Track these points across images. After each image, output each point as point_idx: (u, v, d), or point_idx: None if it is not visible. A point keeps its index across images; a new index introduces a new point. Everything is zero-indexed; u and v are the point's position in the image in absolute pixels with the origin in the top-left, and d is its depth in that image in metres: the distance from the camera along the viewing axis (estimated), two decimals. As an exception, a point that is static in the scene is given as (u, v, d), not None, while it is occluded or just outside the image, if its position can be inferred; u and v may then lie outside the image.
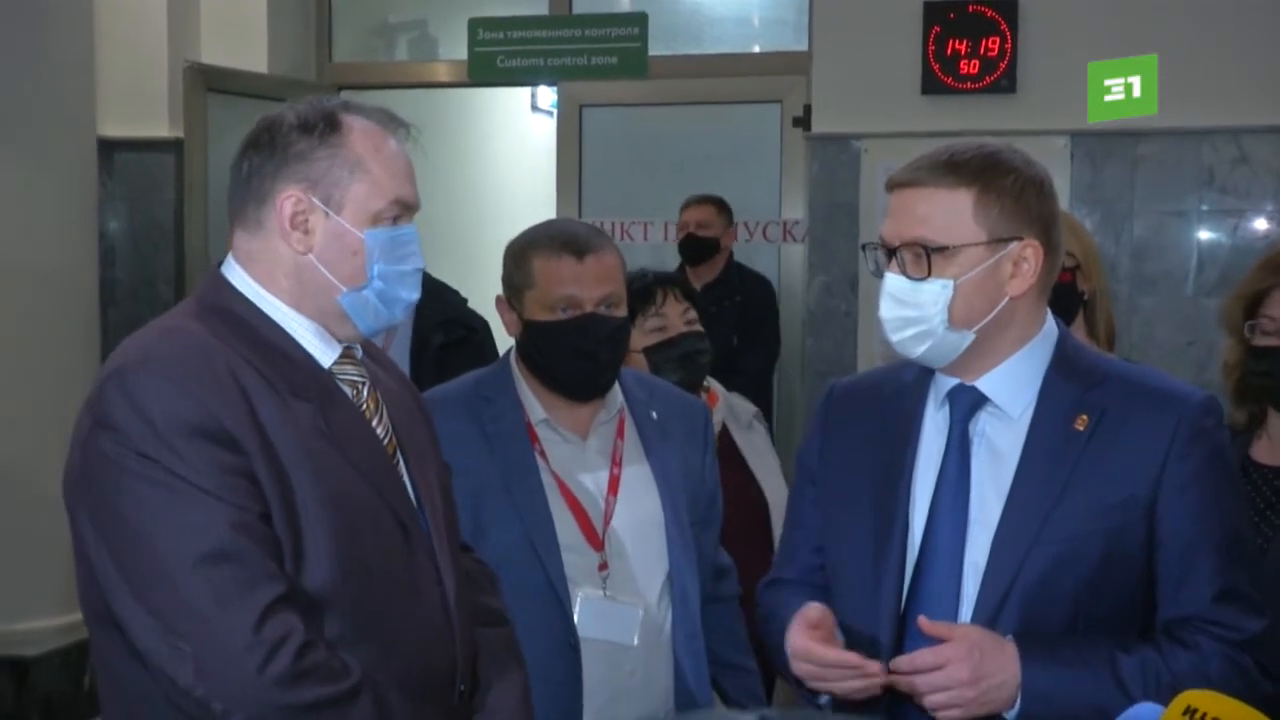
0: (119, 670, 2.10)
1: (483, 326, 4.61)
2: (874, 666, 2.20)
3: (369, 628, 2.10)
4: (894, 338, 2.31)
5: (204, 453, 1.99)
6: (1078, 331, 3.46)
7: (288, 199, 2.14)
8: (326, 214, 2.15)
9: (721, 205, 6.69)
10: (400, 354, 4.32)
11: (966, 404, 2.32)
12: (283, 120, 2.18)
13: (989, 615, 2.22)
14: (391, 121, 2.24)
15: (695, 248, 6.62)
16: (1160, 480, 2.20)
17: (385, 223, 2.18)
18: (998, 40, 6.24)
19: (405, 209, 2.21)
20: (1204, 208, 6.18)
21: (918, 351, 2.29)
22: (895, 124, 6.39)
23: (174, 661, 1.97)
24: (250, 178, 2.18)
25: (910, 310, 2.27)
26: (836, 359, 6.52)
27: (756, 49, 7.75)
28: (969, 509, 2.28)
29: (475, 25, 7.29)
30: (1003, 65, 6.24)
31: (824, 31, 6.64)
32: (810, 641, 2.26)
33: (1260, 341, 3.10)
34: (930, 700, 2.17)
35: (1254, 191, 6.11)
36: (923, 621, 2.18)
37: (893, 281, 2.29)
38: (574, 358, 2.89)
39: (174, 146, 7.03)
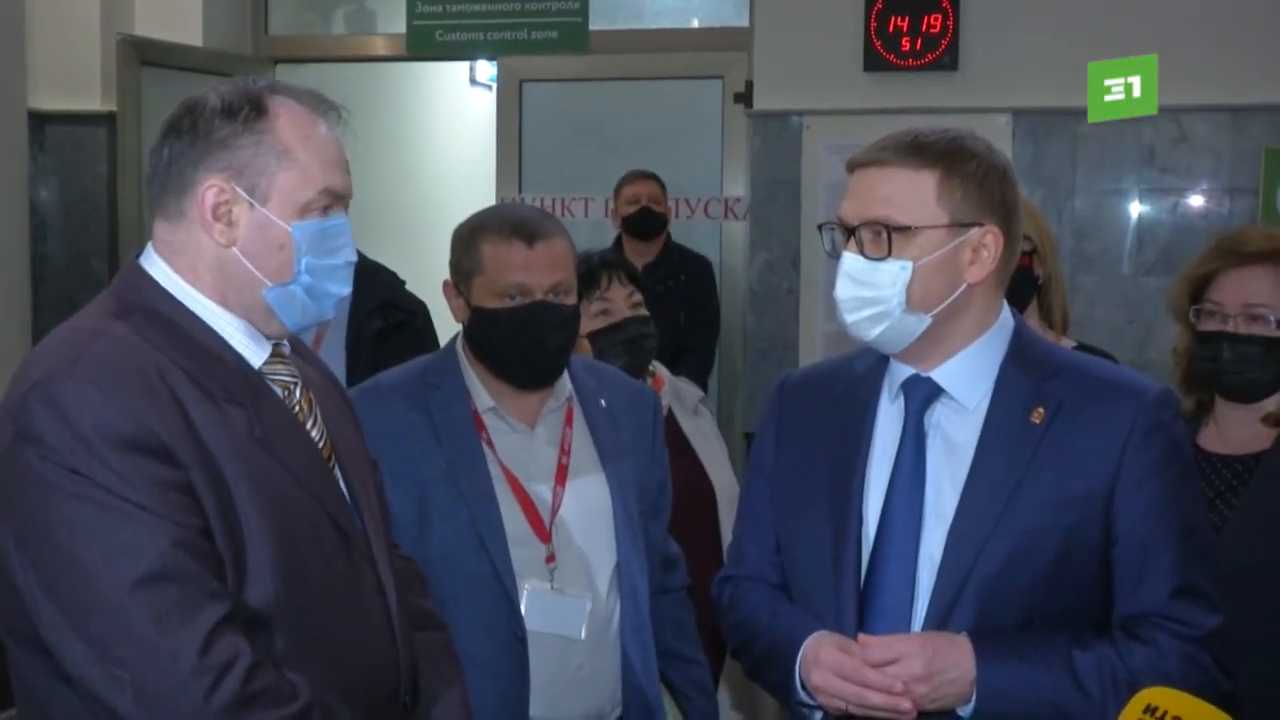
0: (44, 695, 1.97)
1: (421, 309, 4.55)
2: (907, 705, 2.16)
3: (313, 642, 2.01)
4: (849, 318, 2.28)
5: (139, 467, 1.87)
6: (1031, 317, 3.46)
7: (209, 189, 2.02)
8: (251, 205, 2.03)
9: (661, 181, 6.68)
10: (336, 338, 4.25)
11: (921, 395, 2.30)
12: (205, 103, 2.06)
13: (944, 609, 2.20)
14: (321, 104, 2.13)
15: (649, 223, 6.59)
16: (1117, 474, 2.19)
17: (314, 214, 2.07)
18: (939, 17, 6.23)
19: (336, 199, 2.10)
20: (1144, 186, 6.21)
21: (873, 334, 2.26)
22: (837, 101, 6.37)
23: (111, 689, 1.85)
24: (171, 164, 2.05)
25: (867, 290, 2.24)
26: (779, 337, 6.51)
27: (697, 24, 7.71)
28: (924, 502, 2.26)
29: (414, -2, 7.22)
30: (944, 43, 6.23)
31: (765, 7, 6.60)
32: (851, 658, 2.19)
33: (1205, 326, 3.07)
34: (884, 697, 2.15)
35: (1193, 171, 6.13)
36: (863, 639, 2.17)
37: (850, 261, 2.26)
38: (523, 346, 2.84)
39: (107, 120, 6.92)
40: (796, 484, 2.42)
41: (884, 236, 2.21)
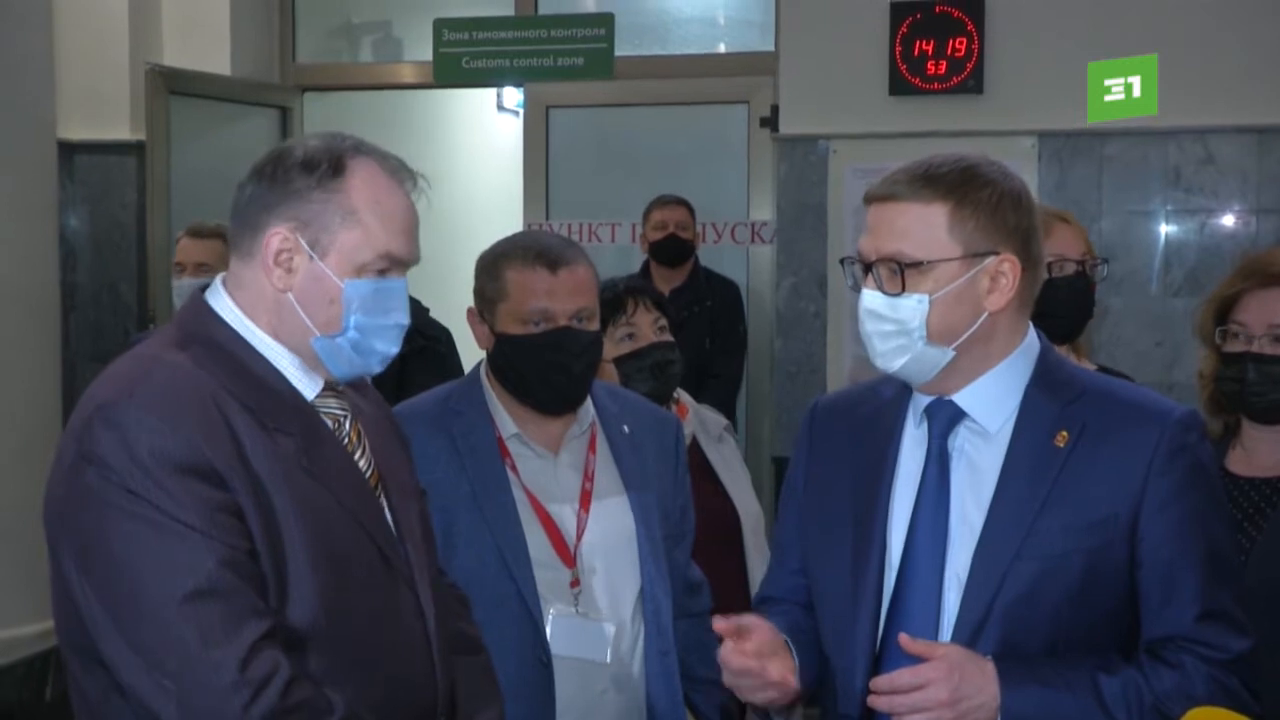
0: (98, 705, 2.08)
1: (445, 336, 4.57)
2: (774, 673, 2.19)
3: (352, 663, 2.10)
4: (874, 353, 2.29)
5: (191, 489, 1.98)
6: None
7: (275, 235, 2.14)
8: (310, 257, 2.14)
9: (690, 207, 6.68)
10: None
11: (945, 419, 2.30)
12: (291, 153, 2.17)
13: (971, 631, 2.19)
14: (400, 171, 2.23)
15: (676, 249, 6.59)
16: (1141, 498, 2.18)
17: (369, 274, 2.16)
18: (965, 41, 6.23)
19: (395, 263, 2.19)
20: (1170, 208, 6.19)
21: (896, 365, 2.27)
22: (863, 125, 6.38)
23: (158, 698, 1.95)
24: (248, 205, 2.17)
25: (888, 325, 2.25)
26: (806, 360, 6.51)
27: (723, 49, 7.72)
28: (949, 524, 2.26)
29: (440, 26, 7.24)
30: (970, 66, 6.23)
31: (791, 32, 6.62)
32: (726, 653, 2.24)
33: (1230, 347, 3.06)
34: None
35: (1220, 191, 6.12)
36: (904, 639, 2.15)
37: (869, 297, 2.27)
38: (547, 371, 2.86)
39: (135, 149, 6.97)
40: (823, 507, 2.42)
41: (899, 273, 2.22)
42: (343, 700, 2.03)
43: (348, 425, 2.24)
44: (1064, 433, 2.22)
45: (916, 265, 2.21)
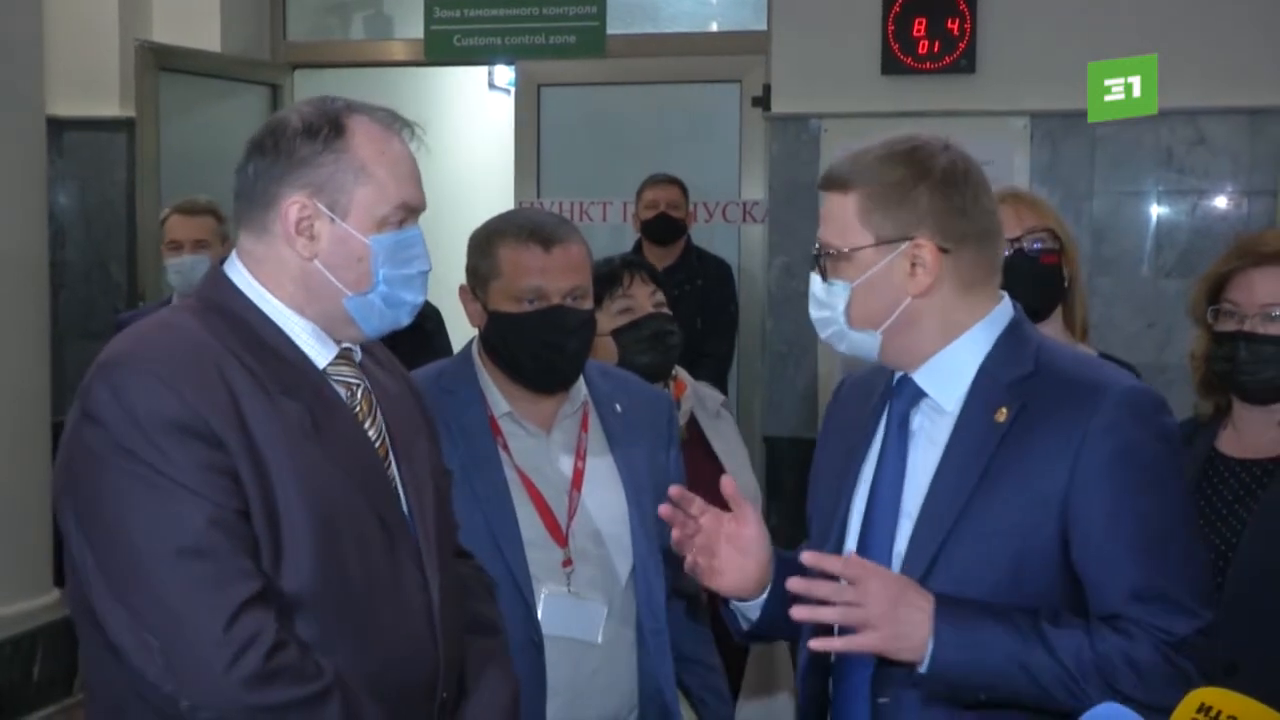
0: (98, 664, 2.10)
1: (434, 314, 4.55)
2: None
3: (345, 631, 2.09)
4: (821, 336, 2.37)
5: (185, 448, 1.99)
6: (1054, 323, 3.41)
7: (293, 205, 2.14)
8: (332, 220, 2.15)
9: (683, 186, 6.68)
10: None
11: (907, 396, 2.32)
12: (287, 124, 2.18)
13: None
14: (395, 121, 2.25)
15: (668, 228, 6.60)
16: (1072, 476, 2.15)
17: (390, 227, 2.19)
18: (957, 20, 6.23)
19: (410, 212, 2.22)
20: (1162, 189, 6.19)
21: (840, 348, 2.34)
22: (855, 104, 6.38)
23: (143, 655, 1.97)
24: (256, 181, 2.17)
25: (825, 310, 2.32)
26: (797, 340, 6.51)
27: (715, 28, 7.71)
28: (901, 501, 2.27)
29: (432, 3, 7.23)
30: (962, 45, 6.23)
31: (783, 10, 6.61)
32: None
33: (1222, 326, 3.06)
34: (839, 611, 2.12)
35: (1211, 172, 6.12)
36: (807, 556, 2.14)
37: (812, 282, 2.35)
38: (540, 349, 2.85)
39: (125, 126, 6.94)
40: (821, 481, 2.48)
41: (824, 261, 2.29)
42: (332, 667, 2.03)
43: (359, 394, 2.24)
44: (1004, 409, 2.21)
45: (839, 254, 2.26)
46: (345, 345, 2.25)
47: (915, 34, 6.27)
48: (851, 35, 6.36)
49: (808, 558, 2.15)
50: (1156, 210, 6.20)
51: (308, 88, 7.61)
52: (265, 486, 2.04)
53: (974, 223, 2.27)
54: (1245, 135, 6.05)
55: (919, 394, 2.30)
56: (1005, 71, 6.20)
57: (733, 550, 2.33)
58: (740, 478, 3.63)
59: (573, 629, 2.82)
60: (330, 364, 2.21)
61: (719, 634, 3.23)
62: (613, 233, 6.94)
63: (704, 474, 3.47)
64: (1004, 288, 3.48)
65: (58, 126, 6.65)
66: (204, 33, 7.18)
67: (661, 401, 3.16)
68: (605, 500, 2.91)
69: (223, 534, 1.99)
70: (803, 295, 6.70)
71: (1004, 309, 2.33)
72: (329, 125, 2.16)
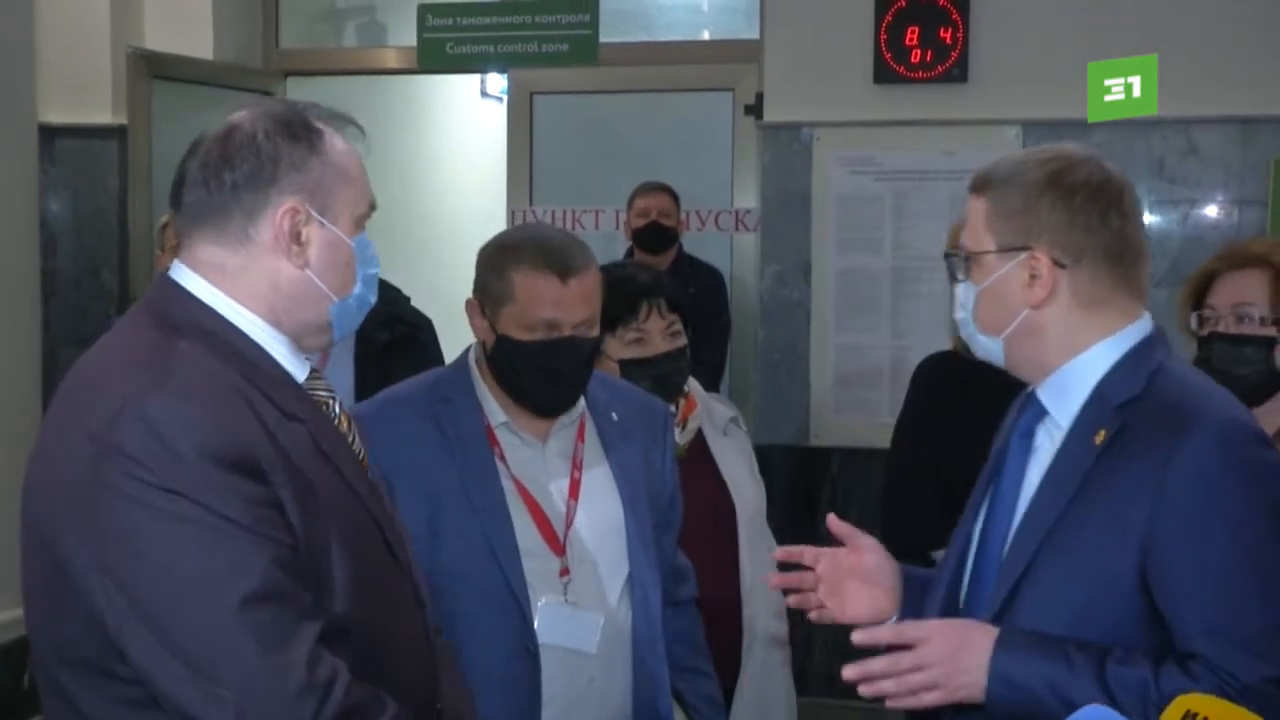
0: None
1: (426, 324, 4.55)
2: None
3: (373, 655, 2.03)
4: (961, 335, 2.42)
5: (235, 485, 1.88)
6: None
7: (287, 212, 2.04)
8: (322, 224, 2.07)
9: (674, 194, 6.68)
10: (344, 354, 4.25)
11: (1033, 411, 2.34)
12: (263, 129, 2.06)
13: (995, 615, 2.21)
14: (340, 119, 2.17)
15: (659, 237, 6.59)
16: (1154, 505, 2.10)
17: (361, 228, 2.14)
18: (949, 29, 6.23)
19: (373, 211, 2.16)
20: (1153, 198, 6.19)
21: (976, 352, 2.38)
22: (847, 113, 6.36)
23: (209, 709, 1.84)
24: (238, 190, 2.04)
25: (960, 312, 2.36)
26: (790, 349, 6.50)
27: (707, 36, 7.71)
28: (1014, 515, 2.28)
29: (424, 11, 7.22)
30: (954, 54, 6.22)
31: (775, 19, 6.60)
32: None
33: (1202, 331, 3.07)
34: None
35: (1203, 182, 6.13)
36: (856, 636, 2.21)
37: (954, 284, 2.39)
38: (547, 378, 2.83)
39: (117, 133, 6.92)
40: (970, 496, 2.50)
41: (952, 261, 2.34)
42: (384, 694, 1.99)
43: (337, 409, 2.16)
44: (1103, 431, 2.19)
45: (969, 256, 2.30)
46: (309, 357, 2.16)
47: (908, 43, 6.26)
48: (844, 44, 6.35)
49: (857, 638, 2.18)
50: (1148, 219, 6.20)
51: (300, 95, 7.55)
52: (309, 516, 1.95)
53: (1098, 240, 2.25)
54: (1236, 145, 6.06)
55: (1043, 409, 2.31)
56: (998, 81, 6.20)
57: (858, 582, 2.38)
58: (740, 492, 3.63)
59: (569, 638, 2.81)
60: (305, 381, 2.12)
61: (713, 643, 3.24)
62: (605, 240, 6.93)
63: (707, 489, 3.48)
64: None
65: (49, 134, 6.63)
66: (196, 40, 7.16)
67: (657, 409, 3.15)
68: (602, 509, 2.90)
69: (285, 574, 1.88)
70: (796, 304, 6.74)
71: (1136, 328, 2.29)
72: (304, 128, 2.08)
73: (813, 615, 2.40)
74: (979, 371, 3.76)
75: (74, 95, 6.83)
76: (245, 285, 2.06)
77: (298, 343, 2.12)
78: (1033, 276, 2.24)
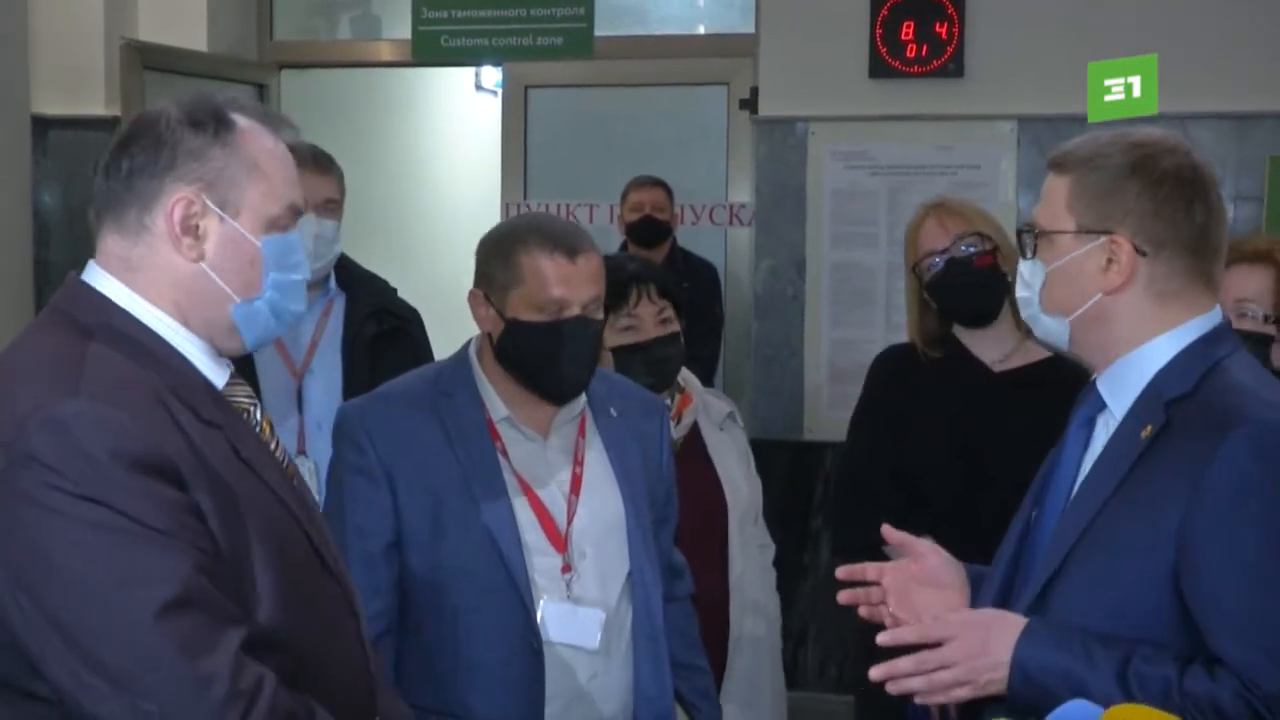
0: None
1: (415, 317, 4.54)
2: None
3: (304, 661, 1.96)
4: (1022, 315, 2.40)
5: (153, 490, 1.81)
6: (1002, 325, 3.45)
7: (178, 201, 1.96)
8: (221, 218, 1.98)
9: (668, 188, 6.68)
10: (332, 345, 4.23)
11: (1093, 400, 2.33)
12: (167, 116, 1.99)
13: (1029, 608, 2.20)
14: (274, 120, 2.09)
15: (652, 231, 6.59)
16: (1189, 505, 2.07)
17: (278, 230, 2.03)
18: (945, 24, 6.22)
19: (295, 215, 2.06)
20: (1149, 193, 6.19)
21: (1036, 332, 2.38)
22: (842, 107, 6.36)
23: None
24: (132, 176, 1.98)
25: (1024, 290, 2.34)
26: (784, 343, 6.50)
27: (702, 30, 7.70)
28: (1065, 502, 2.28)
29: (419, 4, 7.19)
30: (950, 49, 6.22)
31: (771, 14, 6.59)
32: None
33: None
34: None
35: (1199, 178, 6.12)
36: (881, 638, 2.20)
37: (1021, 261, 2.36)
38: (559, 359, 2.81)
39: (110, 125, 6.89)
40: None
41: (1026, 238, 2.31)
42: (312, 701, 1.93)
43: (258, 414, 2.09)
44: (1150, 426, 2.16)
45: (1042, 234, 2.28)
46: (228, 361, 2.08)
47: (903, 37, 6.26)
48: (839, 38, 6.34)
49: (882, 639, 2.19)
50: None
51: (294, 87, 7.58)
52: (230, 522, 1.88)
53: (1180, 231, 2.22)
54: (1232, 140, 6.06)
55: (1102, 400, 2.30)
56: (993, 76, 6.19)
57: (926, 588, 2.36)
58: (733, 488, 3.63)
59: (571, 635, 2.80)
60: (225, 386, 2.05)
61: (707, 638, 3.25)
62: (599, 234, 6.86)
63: (703, 483, 3.48)
64: (941, 299, 3.58)
65: (42, 125, 6.61)
66: (190, 32, 7.14)
67: (654, 405, 3.15)
68: (603, 505, 2.90)
69: (207, 580, 1.82)
70: (791, 298, 6.74)
71: (1201, 322, 2.25)
72: (215, 118, 2.00)
73: (884, 637, 2.31)
74: (937, 365, 3.78)
75: (67, 87, 6.81)
76: (149, 278, 1.99)
77: (213, 345, 2.05)
78: (1110, 261, 2.21)
